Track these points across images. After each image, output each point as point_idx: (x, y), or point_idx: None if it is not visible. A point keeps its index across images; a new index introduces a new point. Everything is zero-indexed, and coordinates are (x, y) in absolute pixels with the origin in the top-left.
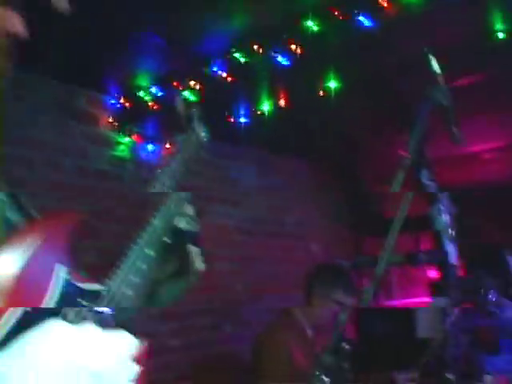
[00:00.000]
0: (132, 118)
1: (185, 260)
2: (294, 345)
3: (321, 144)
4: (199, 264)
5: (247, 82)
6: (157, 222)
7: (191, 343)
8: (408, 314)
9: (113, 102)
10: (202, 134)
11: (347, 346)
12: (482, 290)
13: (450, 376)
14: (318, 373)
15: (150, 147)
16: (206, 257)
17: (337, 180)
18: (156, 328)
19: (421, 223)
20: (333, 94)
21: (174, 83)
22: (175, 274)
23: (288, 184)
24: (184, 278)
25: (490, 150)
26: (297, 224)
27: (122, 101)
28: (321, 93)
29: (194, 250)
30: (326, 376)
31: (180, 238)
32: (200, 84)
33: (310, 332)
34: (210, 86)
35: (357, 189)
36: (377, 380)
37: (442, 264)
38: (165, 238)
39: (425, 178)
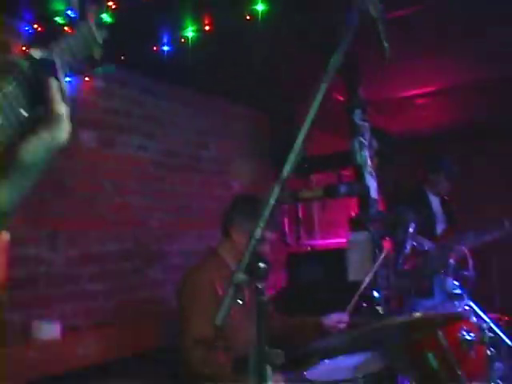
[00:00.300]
0: (45, 44)
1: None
2: (219, 283)
3: (247, 82)
4: (58, 105)
5: (169, 5)
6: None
7: (114, 288)
8: (338, 256)
9: (27, 28)
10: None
11: (262, 265)
12: (402, 224)
13: (379, 309)
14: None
15: (67, 79)
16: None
17: (263, 118)
18: (74, 272)
19: (343, 159)
20: (260, 17)
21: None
22: (35, 122)
23: (208, 119)
24: (46, 129)
25: (424, 95)
26: (215, 160)
27: (35, 26)
28: (247, 17)
29: (53, 84)
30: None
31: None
32: (116, 3)
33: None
34: (128, 5)
35: (283, 127)
36: (307, 324)
37: (362, 198)
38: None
39: (357, 117)
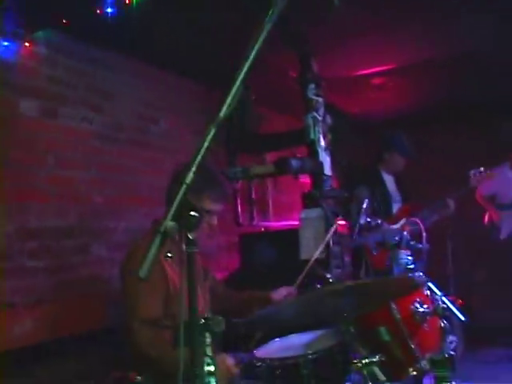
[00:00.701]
0: None
1: None
2: (168, 261)
3: (199, 55)
4: None
5: None
6: None
7: (55, 265)
8: (292, 236)
9: None
10: None
11: (193, 213)
12: (356, 200)
13: (328, 276)
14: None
15: (5, 43)
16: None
17: (216, 94)
18: (12, 247)
19: (298, 137)
20: None
21: None
22: None
23: (159, 93)
24: None
25: (380, 74)
26: (165, 135)
27: None
28: None
29: None
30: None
31: None
32: None
33: (184, 246)
34: None
35: (238, 106)
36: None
37: (315, 174)
38: None
39: (311, 92)
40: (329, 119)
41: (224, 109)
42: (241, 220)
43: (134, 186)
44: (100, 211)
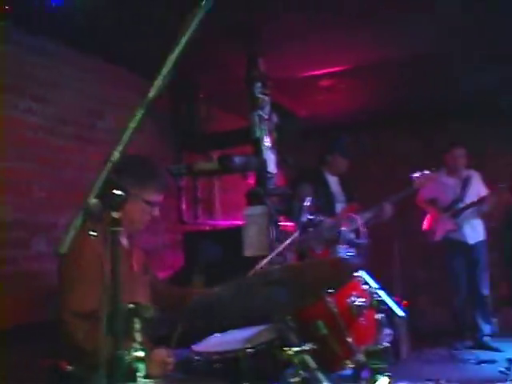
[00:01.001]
0: None
1: None
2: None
3: (146, 51)
4: None
5: None
6: None
7: None
8: (237, 235)
9: None
10: None
11: (117, 193)
12: (298, 198)
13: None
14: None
15: None
16: None
17: (165, 93)
18: None
19: (244, 136)
20: None
21: None
22: None
23: (106, 88)
24: None
25: (329, 75)
26: (112, 131)
27: None
28: None
29: None
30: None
31: None
32: None
33: (125, 241)
34: None
35: (186, 105)
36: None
37: (260, 171)
38: None
39: (257, 91)
40: (275, 118)
41: (152, 90)
42: (185, 218)
43: (77, 182)
44: (40, 205)
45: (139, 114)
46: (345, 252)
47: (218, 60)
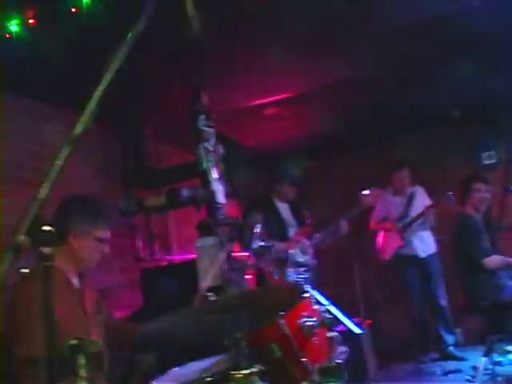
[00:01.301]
0: None
1: None
2: (57, 298)
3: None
4: None
5: None
6: None
7: None
8: (192, 267)
9: None
10: None
11: (47, 228)
12: (249, 225)
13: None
14: None
15: None
16: None
17: (112, 132)
18: None
19: (192, 170)
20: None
21: None
22: None
23: (50, 130)
24: None
25: (272, 104)
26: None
27: None
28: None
29: None
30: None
31: None
32: None
33: (76, 281)
34: None
35: (134, 142)
36: None
37: (209, 203)
38: None
39: (201, 123)
40: (220, 149)
41: (79, 126)
42: (142, 255)
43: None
44: None
45: (66, 151)
46: (295, 274)
47: (164, 96)
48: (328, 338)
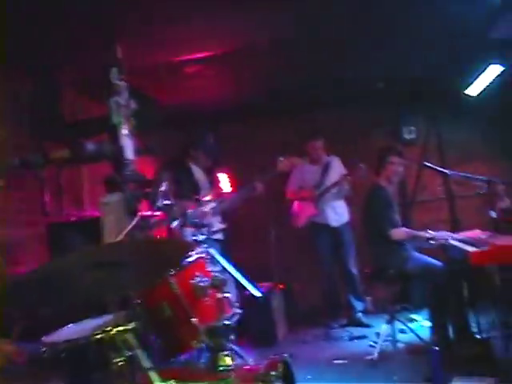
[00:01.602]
0: None
1: None
2: None
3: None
4: None
5: None
6: None
7: None
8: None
9: None
10: None
11: None
12: (155, 183)
13: None
14: None
15: None
16: None
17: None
18: None
19: (104, 123)
20: None
21: None
22: None
23: None
24: None
25: (194, 61)
26: None
27: None
28: None
29: None
30: None
31: None
32: None
33: None
34: None
35: (47, 91)
36: None
37: (116, 158)
38: None
39: (114, 76)
40: (133, 104)
41: None
42: (48, 209)
43: None
44: None
45: None
46: (189, 232)
47: (81, 44)
48: (218, 299)
